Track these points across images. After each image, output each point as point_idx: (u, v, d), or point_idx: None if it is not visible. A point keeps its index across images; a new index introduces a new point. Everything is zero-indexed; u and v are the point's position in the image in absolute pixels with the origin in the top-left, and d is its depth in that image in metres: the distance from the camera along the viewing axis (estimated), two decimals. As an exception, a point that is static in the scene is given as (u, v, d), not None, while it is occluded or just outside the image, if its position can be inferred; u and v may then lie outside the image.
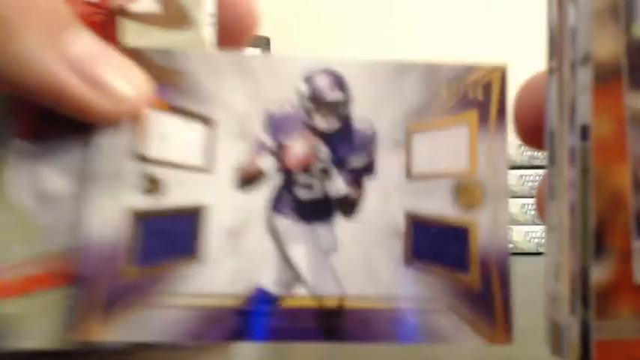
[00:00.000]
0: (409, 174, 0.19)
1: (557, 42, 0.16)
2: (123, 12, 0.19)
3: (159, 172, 0.18)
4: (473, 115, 0.19)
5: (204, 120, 0.19)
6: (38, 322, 0.16)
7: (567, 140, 0.15)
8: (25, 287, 0.17)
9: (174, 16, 0.20)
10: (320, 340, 0.17)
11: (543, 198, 0.18)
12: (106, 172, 0.18)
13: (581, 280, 0.14)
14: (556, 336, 0.15)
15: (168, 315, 0.17)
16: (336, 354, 0.18)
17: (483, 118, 0.19)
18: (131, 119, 0.18)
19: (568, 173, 0.15)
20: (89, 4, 0.19)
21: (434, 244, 0.18)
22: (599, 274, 0.14)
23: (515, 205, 0.76)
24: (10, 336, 0.16)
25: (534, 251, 0.73)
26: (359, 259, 0.18)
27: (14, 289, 0.17)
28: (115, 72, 0.17)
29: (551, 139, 0.16)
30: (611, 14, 0.15)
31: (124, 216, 0.17)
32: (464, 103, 0.19)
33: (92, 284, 0.17)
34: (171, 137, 0.18)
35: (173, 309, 0.17)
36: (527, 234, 0.75)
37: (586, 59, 0.15)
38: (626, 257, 0.14)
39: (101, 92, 0.16)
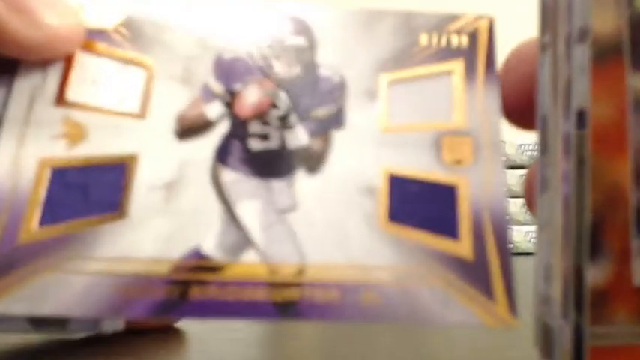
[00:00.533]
0: (385, 127, 0.16)
1: (551, 14, 0.14)
2: None
3: (84, 117, 0.15)
4: (458, 64, 0.17)
5: (143, 65, 0.16)
6: None
7: (562, 127, 0.14)
8: None
9: None
10: (272, 317, 0.13)
11: (533, 191, 0.15)
12: (21, 118, 0.15)
13: (575, 281, 0.13)
14: (547, 339, 0.14)
15: (79, 282, 0.13)
16: (336, 352, 0.16)
17: (470, 68, 0.17)
18: (56, 56, 0.15)
19: (562, 164, 0.14)
20: None
21: (416, 204, 0.15)
22: (595, 275, 0.13)
23: (515, 205, 0.72)
24: None
25: (534, 251, 0.68)
26: (323, 221, 0.14)
27: None
28: (42, 1, 0.14)
29: (543, 124, 0.15)
30: None
31: (34, 166, 0.14)
32: (447, 52, 0.17)
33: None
34: (103, 82, 0.15)
35: (86, 275, 0.13)
36: (527, 234, 0.71)
37: (583, 35, 0.13)
38: (624, 258, 0.13)
39: (21, 16, 0.14)
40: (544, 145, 0.15)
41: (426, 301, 0.14)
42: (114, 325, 0.14)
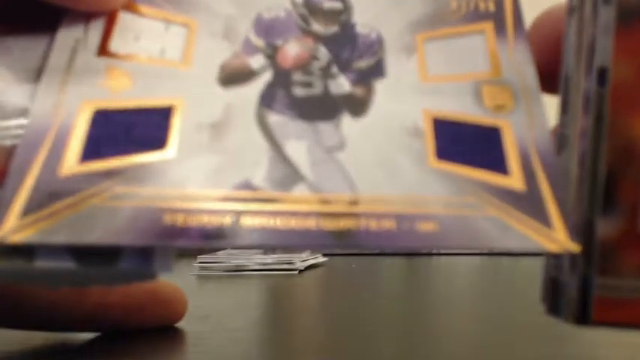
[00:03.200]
0: (424, 76, 0.16)
1: None
2: None
3: (127, 66, 0.15)
4: (488, 25, 0.17)
5: (184, 22, 0.16)
6: None
7: (583, 85, 0.14)
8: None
9: None
10: (328, 245, 0.13)
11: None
12: (64, 66, 0.15)
13: (586, 234, 0.13)
14: (553, 293, 0.14)
15: (128, 211, 0.13)
16: (336, 351, 0.16)
17: (500, 29, 0.17)
18: (102, 10, 0.15)
19: (581, 121, 0.14)
20: None
21: (463, 144, 0.15)
22: (605, 228, 0.13)
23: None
24: None
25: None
26: (372, 158, 0.14)
27: None
28: None
29: (566, 84, 0.15)
30: None
31: (77, 107, 0.14)
32: (475, 14, 0.17)
33: (26, 180, 0.13)
34: (146, 37, 0.16)
35: (134, 205, 0.13)
36: None
37: None
38: (635, 213, 0.13)
39: None
40: (565, 105, 0.15)
41: (484, 228, 0.13)
42: (165, 266, 0.13)
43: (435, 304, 0.26)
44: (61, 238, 0.12)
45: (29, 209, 0.12)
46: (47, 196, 0.13)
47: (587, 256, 0.13)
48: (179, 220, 0.13)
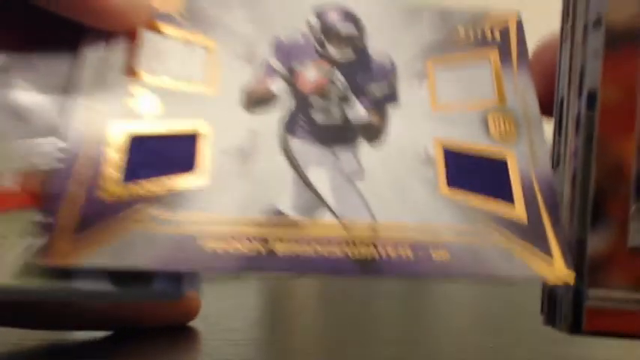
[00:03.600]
0: (434, 104, 0.17)
1: (572, 4, 0.16)
2: None
3: (155, 88, 0.15)
4: (494, 52, 0.18)
5: (207, 44, 0.17)
6: (12, 243, 0.13)
7: (574, 107, 0.15)
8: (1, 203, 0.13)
9: None
10: (354, 274, 0.14)
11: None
12: (94, 86, 0.15)
13: (577, 248, 0.14)
14: (550, 305, 0.15)
15: (165, 238, 0.13)
16: (335, 352, 0.16)
17: (505, 57, 0.18)
18: (126, 28, 0.16)
19: (573, 141, 0.15)
20: None
21: (471, 173, 0.16)
22: (595, 243, 0.14)
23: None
24: None
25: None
26: (389, 185, 0.15)
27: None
28: None
29: (560, 106, 0.16)
30: None
31: (110, 130, 0.14)
32: (482, 42, 0.18)
33: (66, 202, 0.13)
34: (170, 58, 0.16)
35: (171, 231, 0.13)
36: None
37: (598, 23, 0.14)
38: (623, 228, 0.14)
39: None
40: (559, 126, 0.16)
41: (491, 257, 0.14)
42: (193, 287, 0.14)
43: (436, 305, 0.26)
44: (104, 262, 0.13)
45: (71, 233, 0.13)
46: (89, 220, 0.13)
47: (578, 270, 0.14)
48: (216, 247, 0.13)
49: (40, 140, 0.14)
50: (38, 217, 0.13)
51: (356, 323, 0.23)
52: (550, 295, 0.15)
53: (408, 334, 0.21)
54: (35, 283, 0.13)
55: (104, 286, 0.13)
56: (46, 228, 0.13)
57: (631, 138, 0.14)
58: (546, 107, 0.18)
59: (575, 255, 0.14)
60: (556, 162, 0.16)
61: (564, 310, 0.14)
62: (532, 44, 0.19)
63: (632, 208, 0.14)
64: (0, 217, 0.13)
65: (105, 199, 0.13)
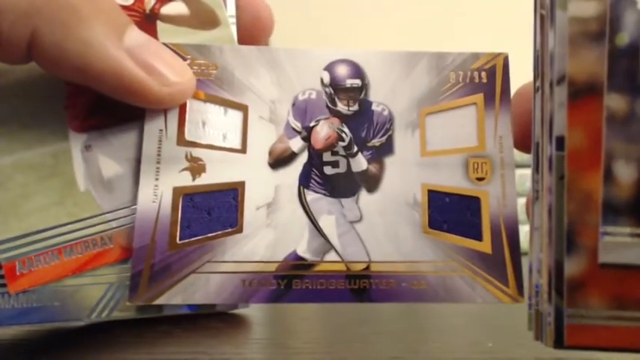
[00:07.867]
0: (423, 151, 0.21)
1: (540, 63, 0.18)
2: (156, 14, 0.21)
3: (200, 153, 0.20)
4: (479, 97, 0.21)
5: (239, 107, 0.21)
6: (106, 293, 0.19)
7: (547, 150, 0.17)
8: (93, 262, 0.19)
9: (203, 17, 0.22)
10: (349, 301, 0.19)
11: (530, 202, 0.20)
12: (156, 156, 0.20)
13: (556, 273, 0.16)
14: (538, 323, 0.17)
15: (217, 280, 0.19)
16: (335, 352, 0.19)
17: (489, 100, 0.21)
18: (176, 105, 0.20)
19: (547, 179, 0.17)
20: (125, 7, 0.21)
21: (450, 213, 0.20)
22: (571, 267, 0.16)
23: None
24: (80, 309, 0.19)
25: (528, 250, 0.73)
26: (382, 229, 0.20)
27: (84, 264, 0.19)
28: (163, 60, 0.19)
29: (536, 149, 0.18)
30: (585, 38, 0.16)
31: (170, 194, 0.19)
32: (471, 86, 0.21)
33: (145, 255, 0.19)
34: (211, 123, 0.20)
35: (220, 275, 0.19)
36: (528, 234, 0.74)
37: (561, 79, 0.16)
38: (594, 253, 0.16)
39: (153, 76, 0.18)
40: (537, 165, 0.18)
41: (459, 286, 0.19)
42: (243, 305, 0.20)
43: (437, 305, 0.25)
44: (177, 300, 0.18)
45: (153, 279, 0.18)
46: (162, 269, 0.19)
47: (558, 291, 0.16)
48: (252, 285, 0.19)
49: (126, 210, 0.19)
50: (129, 266, 0.19)
51: (356, 323, 0.23)
52: (536, 313, 0.17)
53: (409, 335, 0.21)
54: (139, 313, 0.19)
55: (184, 311, 0.19)
56: (136, 275, 0.18)
57: (597, 174, 0.16)
58: (524, 145, 0.21)
59: (556, 279, 0.16)
60: (535, 197, 0.19)
61: (547, 327, 0.16)
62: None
63: (601, 231, 0.16)
64: (93, 274, 0.19)
65: (170, 253, 0.19)
